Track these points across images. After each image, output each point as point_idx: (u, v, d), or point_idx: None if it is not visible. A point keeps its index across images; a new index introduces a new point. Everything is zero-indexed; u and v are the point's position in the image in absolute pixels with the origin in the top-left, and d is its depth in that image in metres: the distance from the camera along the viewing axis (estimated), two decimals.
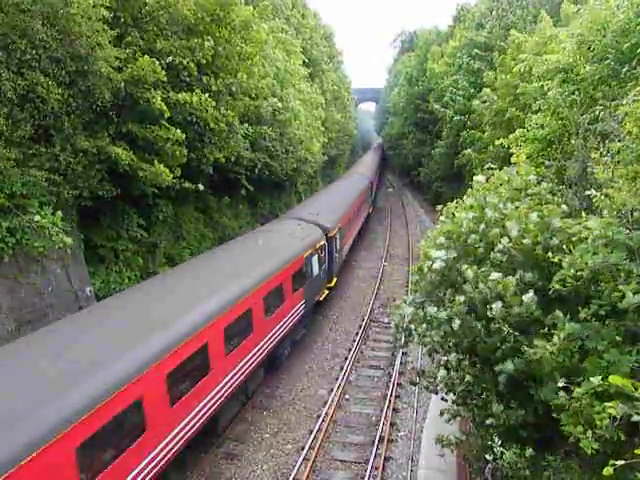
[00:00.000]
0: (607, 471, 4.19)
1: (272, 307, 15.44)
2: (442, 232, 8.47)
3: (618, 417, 4.77)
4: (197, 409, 11.23)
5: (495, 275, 6.77)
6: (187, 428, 10.77)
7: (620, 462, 4.18)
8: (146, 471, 9.36)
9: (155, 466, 9.69)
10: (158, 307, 11.36)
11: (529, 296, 6.35)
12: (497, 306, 6.45)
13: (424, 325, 8.15)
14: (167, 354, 9.84)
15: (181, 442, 10.61)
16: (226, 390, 12.67)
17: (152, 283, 13.75)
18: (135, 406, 8.98)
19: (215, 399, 12.13)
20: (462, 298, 7.17)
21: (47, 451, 6.97)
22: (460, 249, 8.00)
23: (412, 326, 8.50)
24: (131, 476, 8.95)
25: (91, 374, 8.28)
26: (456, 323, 7.12)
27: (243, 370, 13.60)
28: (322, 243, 20.87)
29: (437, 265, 7.83)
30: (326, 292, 22.52)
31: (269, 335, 15.26)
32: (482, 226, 7.69)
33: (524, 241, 6.86)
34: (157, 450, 9.73)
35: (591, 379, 4.82)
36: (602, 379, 4.76)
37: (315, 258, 19.80)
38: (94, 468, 8.09)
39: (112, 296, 13.47)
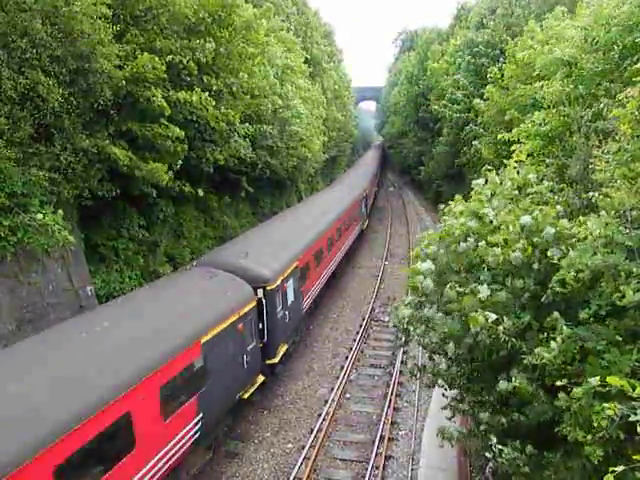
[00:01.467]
0: (608, 479, 4.22)
1: (353, 220, 31.75)
2: (432, 239, 8.54)
3: (617, 418, 4.78)
4: (324, 275, 22.89)
5: (484, 289, 6.77)
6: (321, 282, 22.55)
7: (620, 468, 4.21)
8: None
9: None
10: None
11: (488, 314, 6.48)
12: (483, 336, 6.53)
13: (422, 327, 8.18)
14: (302, 251, 19.47)
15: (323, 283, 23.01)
16: (338, 259, 26.61)
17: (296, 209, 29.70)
18: (302, 268, 19.01)
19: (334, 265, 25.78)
20: (453, 306, 7.19)
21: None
22: (453, 253, 8.03)
23: (410, 327, 8.51)
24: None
25: (281, 252, 17.54)
26: (446, 327, 7.19)
27: (344, 250, 28.33)
28: (364, 195, 37.94)
29: (424, 283, 7.92)
30: (365, 225, 38.99)
31: (351, 235, 31.10)
32: (471, 239, 7.72)
33: (512, 254, 6.87)
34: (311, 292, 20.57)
35: (589, 379, 4.83)
36: (600, 380, 4.77)
37: (362, 203, 36.64)
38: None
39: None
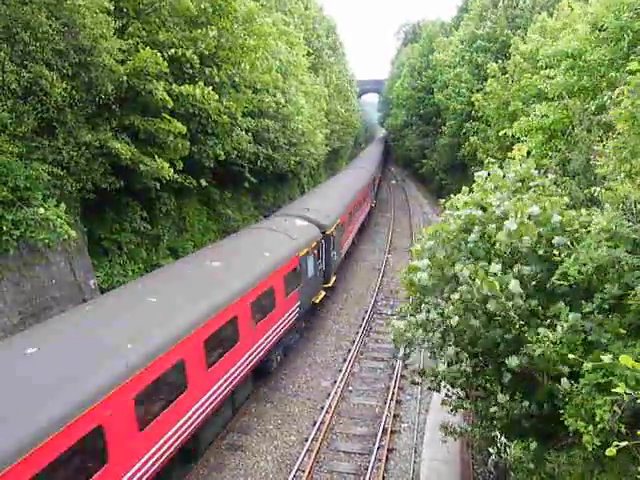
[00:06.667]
0: (610, 452, 4.23)
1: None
2: (430, 235, 8.53)
3: (620, 408, 4.78)
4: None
5: (496, 267, 6.76)
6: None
7: (623, 443, 4.23)
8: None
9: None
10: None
11: (513, 283, 6.47)
12: (492, 304, 6.52)
13: (420, 330, 8.20)
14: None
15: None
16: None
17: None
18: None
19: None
20: (457, 295, 7.18)
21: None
22: (451, 247, 8.02)
23: (409, 334, 8.50)
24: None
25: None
26: (454, 320, 7.16)
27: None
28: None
29: (422, 278, 7.91)
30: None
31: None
32: (477, 228, 7.69)
33: (524, 238, 6.85)
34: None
35: (602, 357, 4.77)
36: (613, 359, 4.72)
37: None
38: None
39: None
